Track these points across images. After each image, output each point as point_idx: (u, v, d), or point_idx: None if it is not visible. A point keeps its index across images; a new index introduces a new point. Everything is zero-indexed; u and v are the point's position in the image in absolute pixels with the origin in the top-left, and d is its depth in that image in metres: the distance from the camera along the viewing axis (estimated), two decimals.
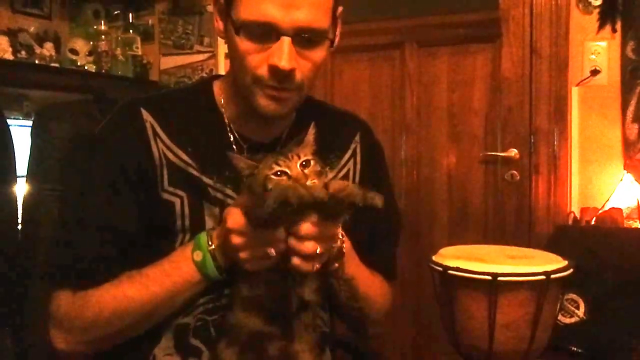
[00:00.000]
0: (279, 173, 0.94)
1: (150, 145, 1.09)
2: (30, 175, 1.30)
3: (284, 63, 1.00)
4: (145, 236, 1.09)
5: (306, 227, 0.94)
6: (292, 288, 1.02)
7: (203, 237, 1.04)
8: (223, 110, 1.16)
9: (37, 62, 2.79)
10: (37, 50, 2.82)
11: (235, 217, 0.97)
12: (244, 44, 1.02)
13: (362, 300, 1.13)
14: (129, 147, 1.09)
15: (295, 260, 0.96)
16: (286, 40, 0.99)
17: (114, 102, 1.19)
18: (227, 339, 1.04)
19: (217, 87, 1.19)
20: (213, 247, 1.03)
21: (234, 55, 1.06)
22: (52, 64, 2.83)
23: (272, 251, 0.95)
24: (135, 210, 1.08)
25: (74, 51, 2.94)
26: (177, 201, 1.09)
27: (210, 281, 1.05)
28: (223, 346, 1.04)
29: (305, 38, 1.01)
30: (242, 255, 0.98)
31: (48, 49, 2.86)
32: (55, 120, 1.26)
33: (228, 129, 1.15)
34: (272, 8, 0.98)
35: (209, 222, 1.10)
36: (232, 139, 1.15)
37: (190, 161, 1.11)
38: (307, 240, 0.95)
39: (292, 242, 0.95)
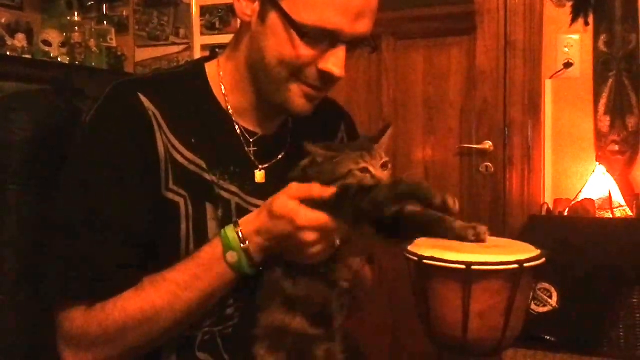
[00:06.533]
0: (362, 169, 0.93)
1: (155, 138, 1.00)
2: None
3: (339, 71, 0.99)
4: (151, 240, 1.01)
5: None
6: (335, 282, 1.00)
7: (232, 235, 0.97)
8: (227, 99, 1.09)
9: (8, 53, 2.73)
10: (9, 41, 2.76)
11: (308, 214, 0.92)
12: (302, 46, 0.97)
13: (358, 279, 1.13)
14: (133, 138, 0.99)
15: None
16: (344, 49, 0.98)
17: (78, 92, 1.11)
18: (267, 344, 0.98)
19: (211, 72, 1.10)
20: (247, 245, 0.96)
21: (268, 46, 1.00)
22: (25, 56, 2.78)
23: (338, 241, 0.94)
24: (145, 209, 0.99)
25: (46, 42, 2.88)
26: (182, 201, 1.01)
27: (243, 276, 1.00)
28: (263, 352, 0.98)
29: (356, 45, 1.01)
30: (311, 251, 0.94)
31: (20, 40, 2.81)
32: (15, 110, 1.12)
33: (233, 120, 1.09)
34: (339, 17, 0.95)
35: (212, 226, 1.02)
36: (238, 131, 1.09)
37: (193, 157, 1.03)
38: None
39: None
